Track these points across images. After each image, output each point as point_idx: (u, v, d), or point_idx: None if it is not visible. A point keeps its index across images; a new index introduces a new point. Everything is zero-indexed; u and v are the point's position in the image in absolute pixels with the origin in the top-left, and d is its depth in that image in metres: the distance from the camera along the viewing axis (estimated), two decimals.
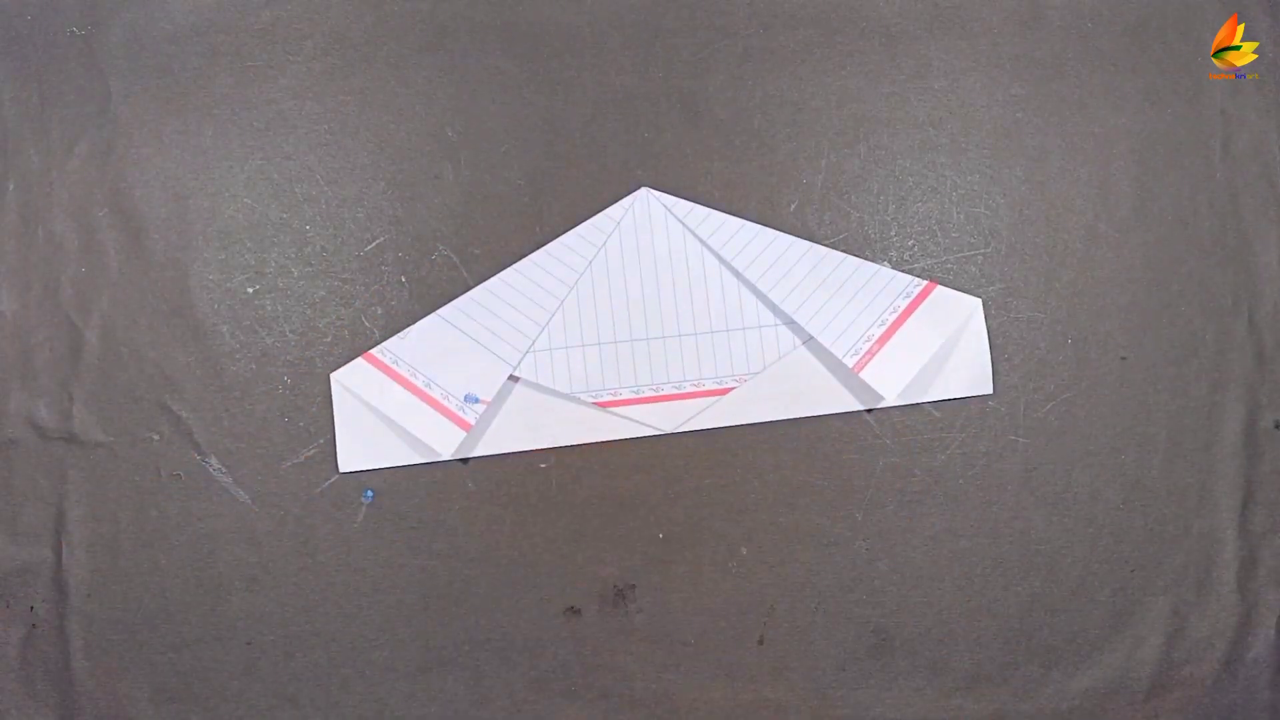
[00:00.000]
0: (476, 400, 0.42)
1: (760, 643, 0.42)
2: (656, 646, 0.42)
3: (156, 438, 0.43)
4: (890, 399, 0.42)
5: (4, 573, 0.42)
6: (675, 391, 0.43)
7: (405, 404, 0.42)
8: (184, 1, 0.44)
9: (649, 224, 0.43)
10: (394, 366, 0.42)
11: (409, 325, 0.43)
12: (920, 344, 0.42)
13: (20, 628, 0.42)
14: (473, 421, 0.41)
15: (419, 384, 0.42)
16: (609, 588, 0.42)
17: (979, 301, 0.43)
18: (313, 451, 0.43)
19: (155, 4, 0.44)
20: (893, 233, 0.44)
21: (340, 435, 0.42)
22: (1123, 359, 0.44)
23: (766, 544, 0.43)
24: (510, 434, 0.42)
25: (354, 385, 0.42)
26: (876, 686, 0.42)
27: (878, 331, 0.42)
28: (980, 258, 0.44)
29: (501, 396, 0.42)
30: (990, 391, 0.43)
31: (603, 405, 0.42)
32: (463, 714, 0.42)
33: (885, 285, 0.42)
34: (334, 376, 0.42)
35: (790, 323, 0.43)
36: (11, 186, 0.43)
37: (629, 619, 0.42)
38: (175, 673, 0.42)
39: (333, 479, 0.42)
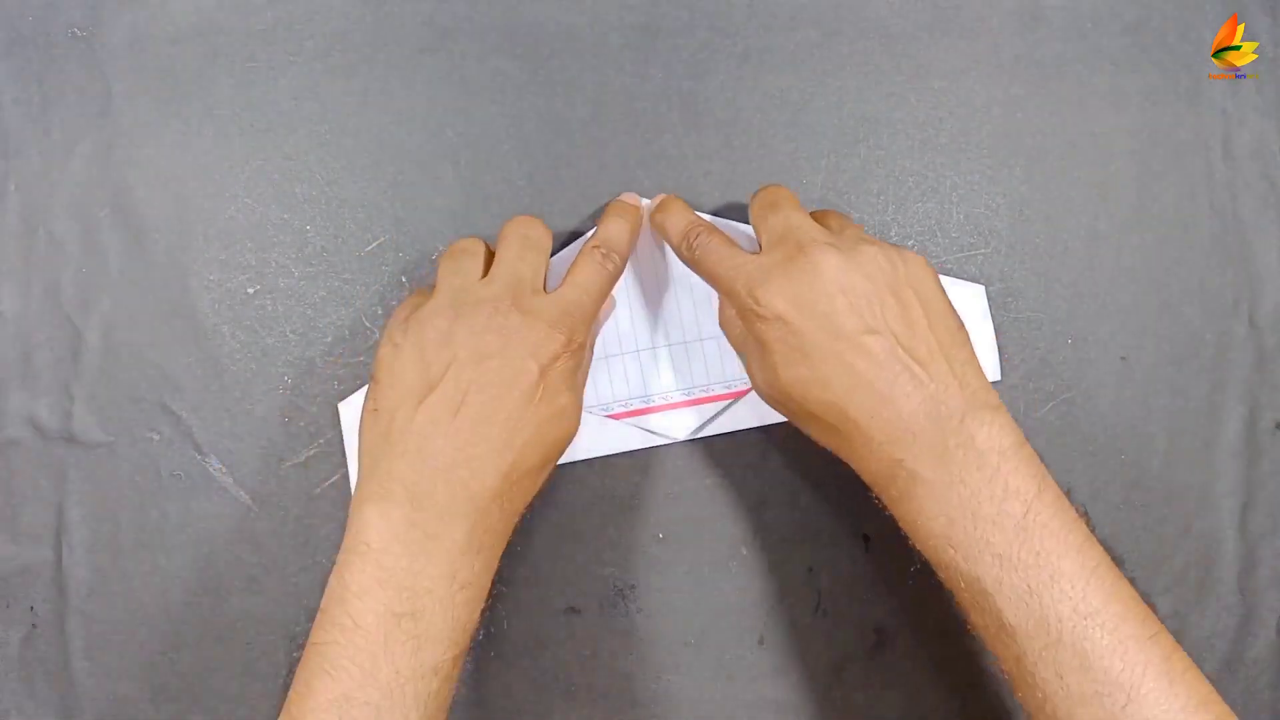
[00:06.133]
0: None
1: (760, 643, 0.42)
2: (656, 646, 0.42)
3: (156, 438, 0.43)
4: None
5: (4, 573, 0.42)
6: (686, 398, 0.42)
7: None
8: (185, 2, 0.44)
9: (647, 234, 0.43)
10: None
11: None
12: None
13: (20, 628, 0.42)
14: None
15: None
16: (609, 588, 0.42)
17: (981, 288, 0.43)
18: (313, 451, 0.43)
19: (156, 5, 0.44)
20: (893, 233, 0.44)
21: (352, 461, 0.42)
22: (1123, 359, 0.44)
23: (766, 544, 0.43)
24: None
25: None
26: (876, 686, 0.42)
27: None
28: (980, 257, 0.44)
29: None
30: (999, 377, 0.43)
31: (615, 417, 0.42)
32: (463, 714, 0.42)
33: None
34: (342, 406, 0.42)
35: None
36: (12, 187, 0.44)
37: (629, 619, 0.42)
38: (175, 673, 0.42)
39: (333, 479, 0.42)
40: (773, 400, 0.36)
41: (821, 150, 0.44)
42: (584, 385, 0.39)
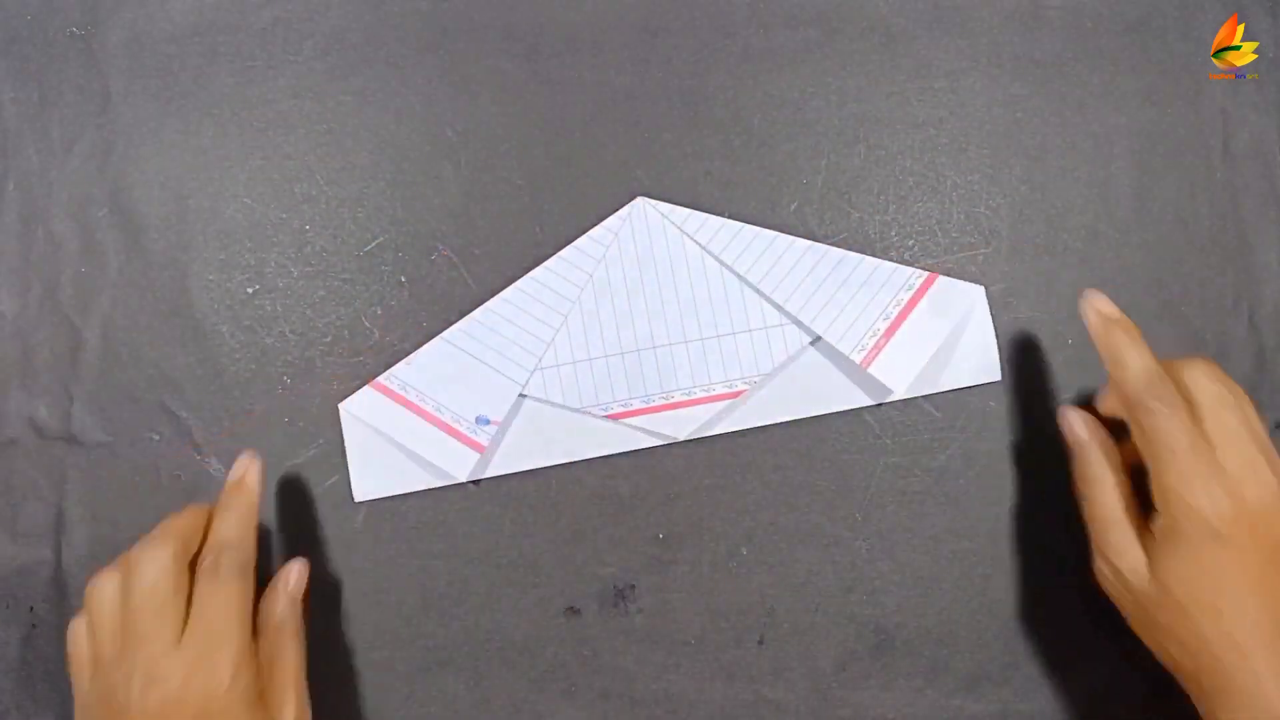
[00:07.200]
0: (488, 422, 0.42)
1: (760, 643, 0.42)
2: (656, 646, 0.42)
3: (156, 438, 0.43)
4: (899, 392, 0.42)
5: (4, 573, 0.42)
6: (685, 398, 0.42)
7: (417, 430, 0.42)
8: (184, 1, 0.44)
9: (647, 233, 0.43)
10: (402, 393, 0.42)
11: (409, 326, 0.43)
12: (926, 335, 0.42)
13: (20, 628, 0.42)
14: (486, 443, 0.41)
15: (429, 409, 0.42)
16: (609, 588, 0.42)
17: (981, 289, 0.43)
18: (313, 452, 0.43)
19: (155, 4, 0.44)
20: (893, 232, 0.44)
21: (353, 464, 0.42)
22: None
23: (766, 544, 0.43)
24: (524, 452, 0.42)
25: (363, 413, 0.42)
26: (876, 686, 0.42)
27: (883, 325, 0.42)
28: (980, 257, 0.44)
29: (512, 416, 0.42)
30: (999, 378, 0.43)
31: (614, 417, 0.42)
32: (463, 714, 0.42)
33: (887, 279, 0.42)
34: (342, 406, 0.42)
35: (797, 321, 0.43)
36: (11, 186, 0.44)
37: (629, 619, 0.42)
38: None
39: (333, 479, 0.42)
40: (1120, 600, 0.37)
41: (821, 150, 0.44)
42: (295, 678, 0.36)
